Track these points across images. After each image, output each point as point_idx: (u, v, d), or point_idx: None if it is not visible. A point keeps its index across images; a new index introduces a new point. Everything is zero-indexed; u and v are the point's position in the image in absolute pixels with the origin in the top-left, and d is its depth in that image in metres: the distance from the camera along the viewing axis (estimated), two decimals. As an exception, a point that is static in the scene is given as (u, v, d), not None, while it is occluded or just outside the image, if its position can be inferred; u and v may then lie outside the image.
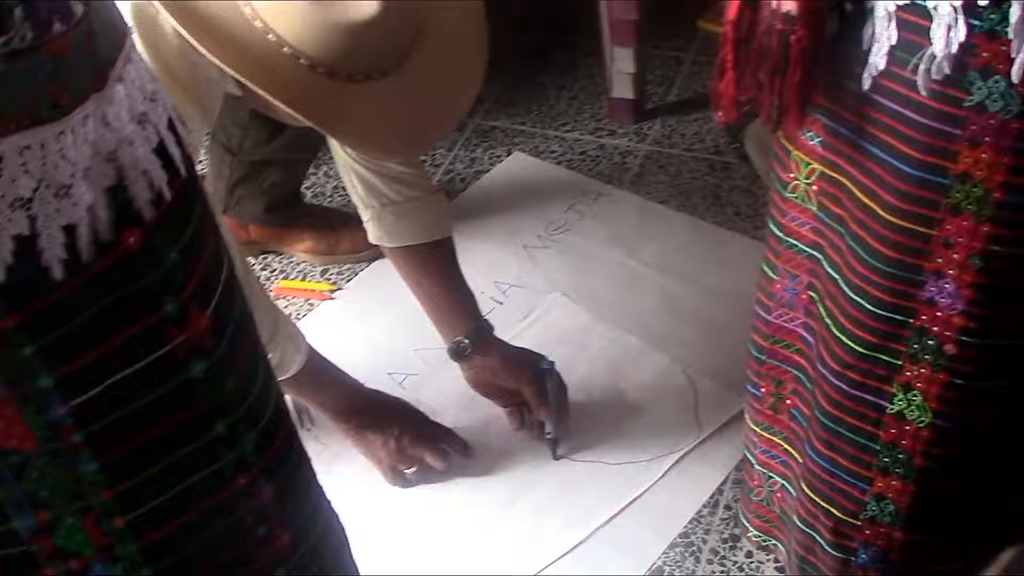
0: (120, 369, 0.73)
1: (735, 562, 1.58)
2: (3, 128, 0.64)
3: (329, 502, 0.99)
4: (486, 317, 1.74)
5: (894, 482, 1.19)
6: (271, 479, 0.86)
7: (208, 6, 1.18)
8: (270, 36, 1.18)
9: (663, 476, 1.69)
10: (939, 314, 1.07)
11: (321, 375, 1.62)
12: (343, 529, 1.01)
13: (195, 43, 1.12)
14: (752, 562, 1.57)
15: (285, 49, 1.18)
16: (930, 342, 1.09)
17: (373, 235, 1.69)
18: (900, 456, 1.17)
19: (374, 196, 1.64)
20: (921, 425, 1.14)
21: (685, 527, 1.62)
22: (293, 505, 0.90)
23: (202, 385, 0.78)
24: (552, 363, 1.72)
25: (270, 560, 0.89)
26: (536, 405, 1.70)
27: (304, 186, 2.17)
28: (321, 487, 0.97)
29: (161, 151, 0.75)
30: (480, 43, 1.39)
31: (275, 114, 1.25)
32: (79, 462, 0.74)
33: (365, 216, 1.68)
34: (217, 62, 1.14)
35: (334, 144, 1.62)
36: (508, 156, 2.34)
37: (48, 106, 0.66)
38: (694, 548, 1.60)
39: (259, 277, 2.07)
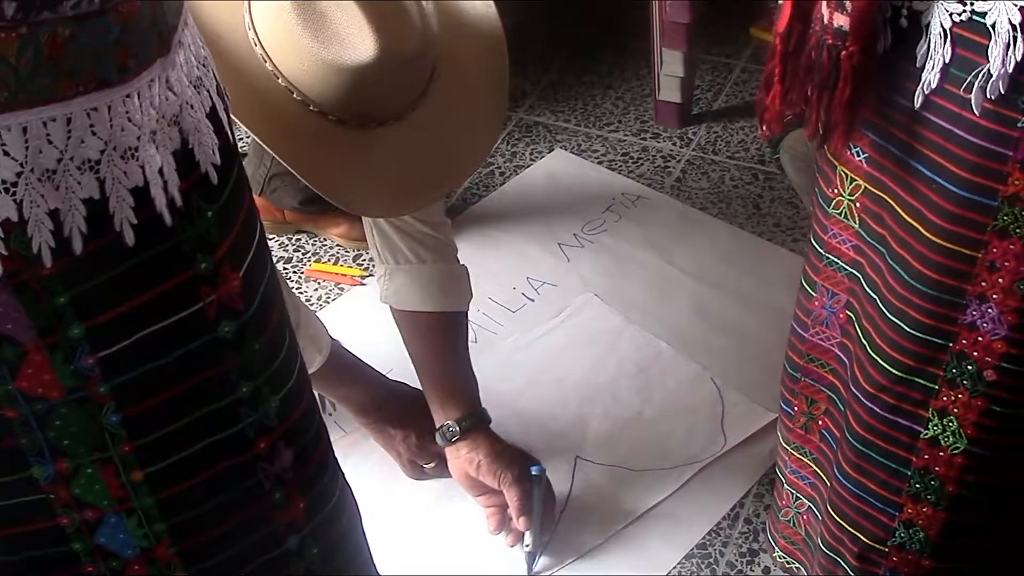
0: (151, 323, 0.74)
1: (752, 577, 1.56)
2: (72, 90, 0.65)
3: (344, 477, 0.99)
4: (516, 312, 1.70)
5: (925, 509, 1.17)
6: (291, 445, 0.87)
7: (219, 31, 1.16)
8: (275, 74, 1.17)
9: (684, 485, 1.67)
10: (980, 339, 1.04)
11: (342, 371, 1.58)
12: (356, 506, 1.01)
13: None
14: (770, 579, 1.55)
15: (280, 81, 1.17)
16: (969, 367, 1.07)
17: (382, 293, 1.58)
18: (932, 483, 1.15)
19: (390, 252, 1.54)
20: (956, 452, 1.12)
21: (703, 538, 1.60)
22: (311, 474, 0.91)
23: (230, 346, 0.79)
24: (543, 469, 1.58)
25: (285, 525, 0.90)
26: (517, 513, 1.54)
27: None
28: (337, 462, 0.97)
29: (212, 115, 0.75)
30: (499, 95, 1.32)
31: None
32: (103, 413, 0.75)
33: (379, 271, 1.58)
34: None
35: None
36: (550, 153, 2.32)
37: (115, 69, 0.67)
38: (711, 560, 1.58)
39: (291, 259, 2.07)
